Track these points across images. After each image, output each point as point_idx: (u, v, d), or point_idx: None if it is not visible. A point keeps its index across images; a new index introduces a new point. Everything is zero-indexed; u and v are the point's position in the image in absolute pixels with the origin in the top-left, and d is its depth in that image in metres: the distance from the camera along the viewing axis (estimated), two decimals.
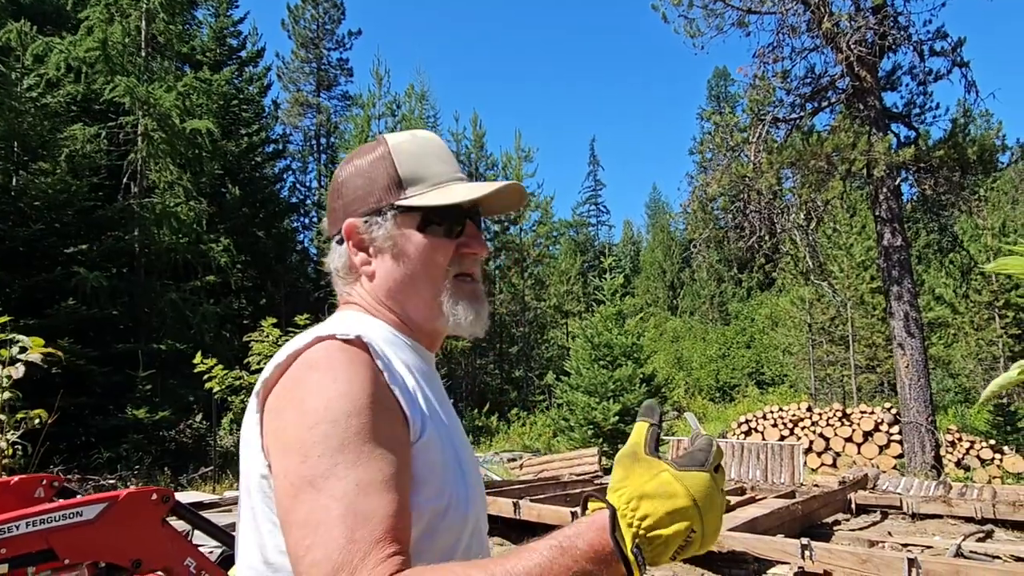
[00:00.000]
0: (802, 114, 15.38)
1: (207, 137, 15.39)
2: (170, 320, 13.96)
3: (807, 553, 5.29)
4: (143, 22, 16.01)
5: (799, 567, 5.65)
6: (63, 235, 13.15)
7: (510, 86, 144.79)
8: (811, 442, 13.52)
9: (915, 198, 15.45)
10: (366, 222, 0.98)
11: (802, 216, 14.62)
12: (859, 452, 13.21)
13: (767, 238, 15.87)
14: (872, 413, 13.43)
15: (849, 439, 13.40)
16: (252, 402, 0.86)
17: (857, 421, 13.43)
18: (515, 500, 7.00)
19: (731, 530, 5.89)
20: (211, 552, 2.93)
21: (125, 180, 15.16)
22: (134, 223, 14.38)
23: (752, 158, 14.77)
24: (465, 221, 1.00)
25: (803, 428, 13.91)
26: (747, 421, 14.54)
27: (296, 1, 38.08)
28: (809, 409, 14.14)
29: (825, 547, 5.31)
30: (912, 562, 4.86)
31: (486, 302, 1.03)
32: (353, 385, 0.80)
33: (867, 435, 13.33)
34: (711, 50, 31.83)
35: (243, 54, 27.87)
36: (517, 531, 7.32)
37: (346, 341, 0.85)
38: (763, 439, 13.83)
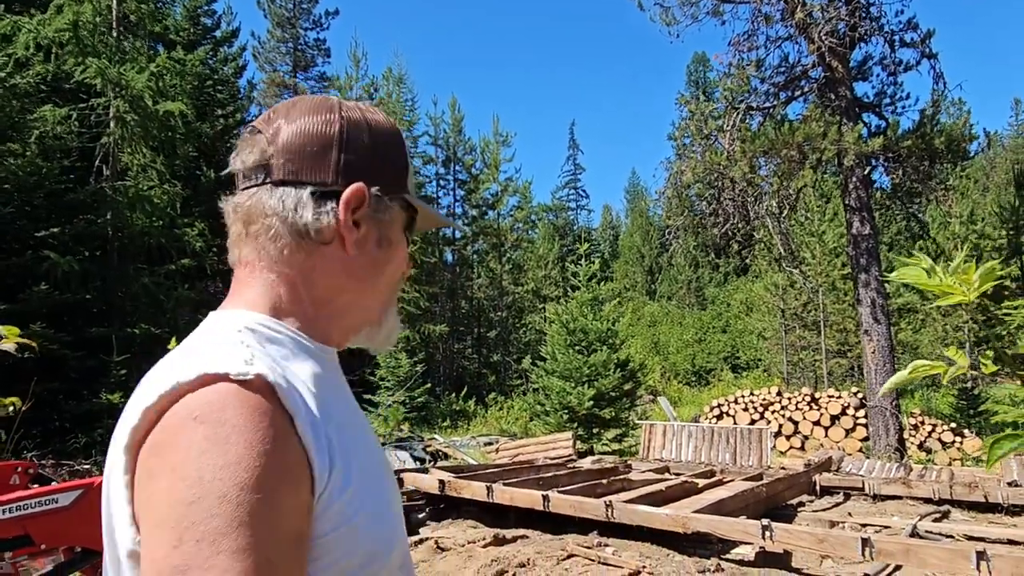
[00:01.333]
0: (775, 103, 15.58)
1: (180, 119, 15.20)
2: (144, 304, 13.87)
3: (767, 534, 5.49)
4: (114, 1, 15.72)
5: (760, 547, 5.87)
6: (33, 218, 12.98)
7: (490, 71, 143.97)
8: (780, 426, 13.84)
9: (885, 187, 15.75)
10: (378, 198, 0.82)
11: (775, 204, 14.85)
12: (827, 435, 13.55)
13: (741, 225, 16.10)
14: (839, 397, 13.76)
15: (817, 423, 13.73)
16: (119, 457, 0.66)
17: (825, 405, 13.76)
18: (488, 484, 7.13)
19: (696, 512, 6.08)
20: None
21: (97, 163, 14.95)
22: (107, 206, 14.21)
23: (726, 146, 14.95)
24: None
25: (773, 412, 14.22)
26: (719, 405, 14.84)
27: None
28: (779, 393, 14.45)
29: (785, 528, 5.50)
30: (866, 541, 5.08)
31: None
32: (251, 449, 0.62)
33: (834, 419, 13.66)
34: (688, 37, 31.91)
35: (217, 34, 27.43)
36: (491, 514, 7.47)
37: (243, 383, 0.65)
38: (735, 423, 14.12)
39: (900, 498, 8.89)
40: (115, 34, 15.84)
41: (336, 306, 0.82)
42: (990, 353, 1.23)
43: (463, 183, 30.54)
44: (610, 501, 6.34)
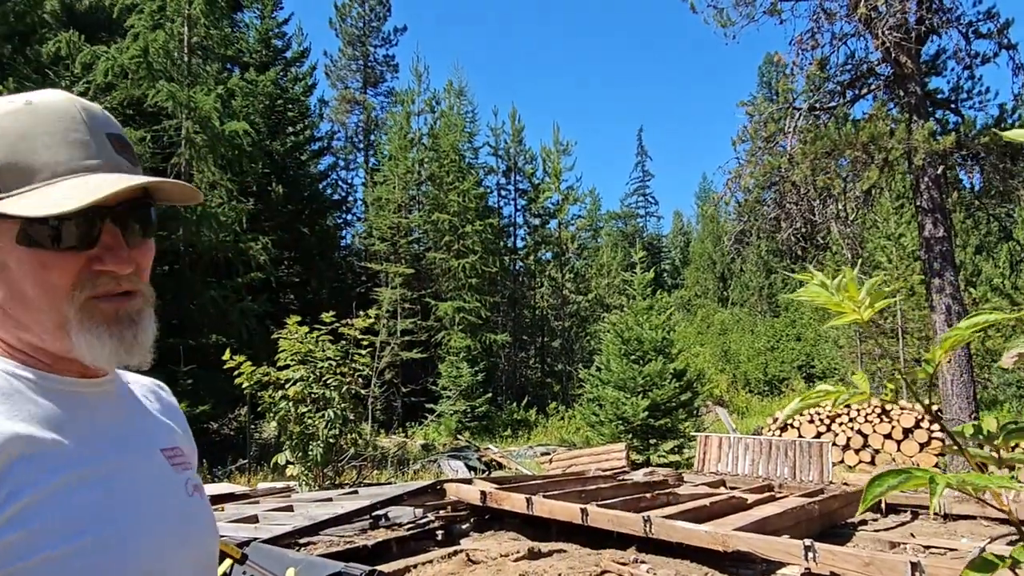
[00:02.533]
0: (840, 102, 14.97)
1: (246, 138, 15.84)
2: (211, 317, 14.48)
3: (810, 554, 5.23)
4: (185, 28, 16.55)
5: (805, 568, 5.59)
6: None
7: (554, 80, 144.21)
8: (849, 439, 13.21)
9: (963, 187, 14.90)
10: None
11: (841, 207, 14.24)
12: (899, 449, 12.85)
13: (807, 230, 15.52)
14: (913, 409, 13.03)
15: (889, 436, 13.04)
16: None
17: (897, 417, 13.06)
18: (528, 496, 7.07)
19: (736, 529, 5.85)
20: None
21: None
22: (178, 223, 14.93)
23: (788, 148, 14.45)
24: (99, 228, 0.75)
25: (841, 424, 13.59)
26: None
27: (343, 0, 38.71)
28: (847, 405, 13.81)
29: (829, 548, 5.23)
30: (915, 566, 4.77)
31: (143, 323, 0.80)
32: None
33: (907, 432, 12.94)
34: (749, 38, 31.11)
35: (288, 55, 28.52)
36: (533, 527, 7.40)
37: None
38: (799, 435, 13.58)
39: (974, 518, 8.33)
40: (187, 58, 16.63)
41: (28, 341, 0.78)
42: (890, 385, 1.12)
43: (524, 192, 30.62)
44: (649, 516, 6.17)
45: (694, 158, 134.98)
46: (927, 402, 1.16)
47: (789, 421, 14.26)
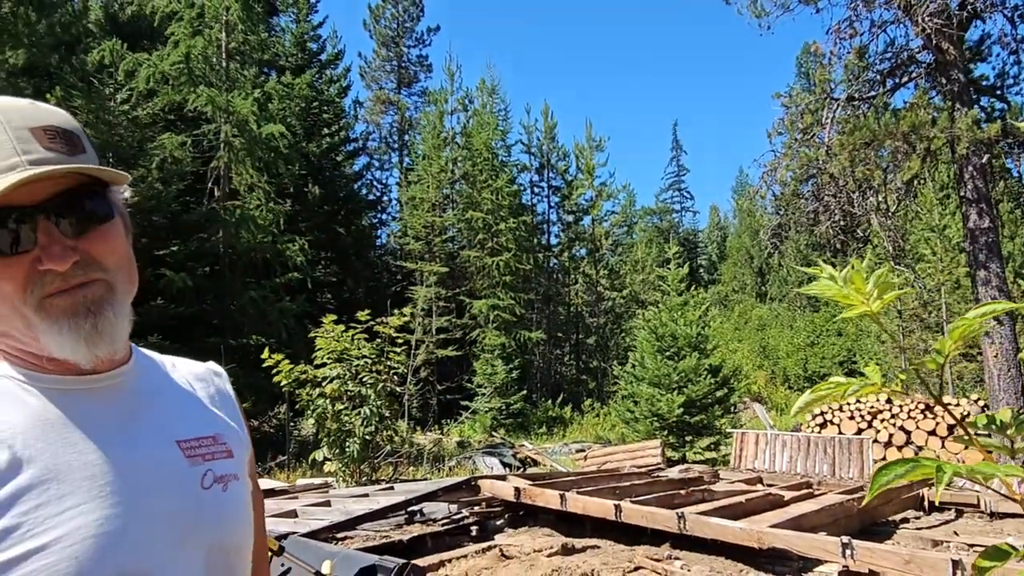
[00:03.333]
0: (880, 91, 14.64)
1: (282, 140, 16.12)
2: (251, 316, 14.79)
3: (847, 552, 5.15)
4: (223, 34, 16.90)
5: (843, 566, 5.51)
6: (154, 238, 14.15)
7: (587, 75, 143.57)
8: (891, 435, 12.92)
9: (1010, 176, 14.46)
10: None
11: (881, 198, 13.94)
12: (943, 446, 12.53)
13: (845, 222, 15.23)
14: (958, 405, 12.70)
15: (933, 432, 12.72)
16: None
17: (941, 414, 12.73)
18: (562, 492, 7.08)
19: (772, 526, 5.78)
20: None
21: (210, 185, 16.11)
22: (218, 225, 15.27)
23: (826, 140, 14.20)
24: (35, 226, 0.75)
25: (883, 421, 13.29)
26: (822, 413, 14.02)
27: (377, 1, 39.04)
28: (888, 401, 13.49)
29: (867, 546, 5.14)
30: (957, 564, 4.67)
31: (104, 311, 0.79)
32: None
33: (952, 428, 12.62)
34: (784, 29, 30.55)
35: (323, 57, 28.90)
36: (567, 523, 7.41)
37: None
38: (840, 432, 13.33)
39: (1021, 516, 8.11)
40: (225, 63, 16.98)
41: (16, 347, 0.80)
42: (901, 376, 1.12)
43: (557, 189, 30.58)
44: (683, 512, 6.13)
45: (730, 152, 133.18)
46: (938, 394, 1.16)
47: (829, 417, 14.01)
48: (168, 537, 0.80)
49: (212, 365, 1.06)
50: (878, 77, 14.61)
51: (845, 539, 5.20)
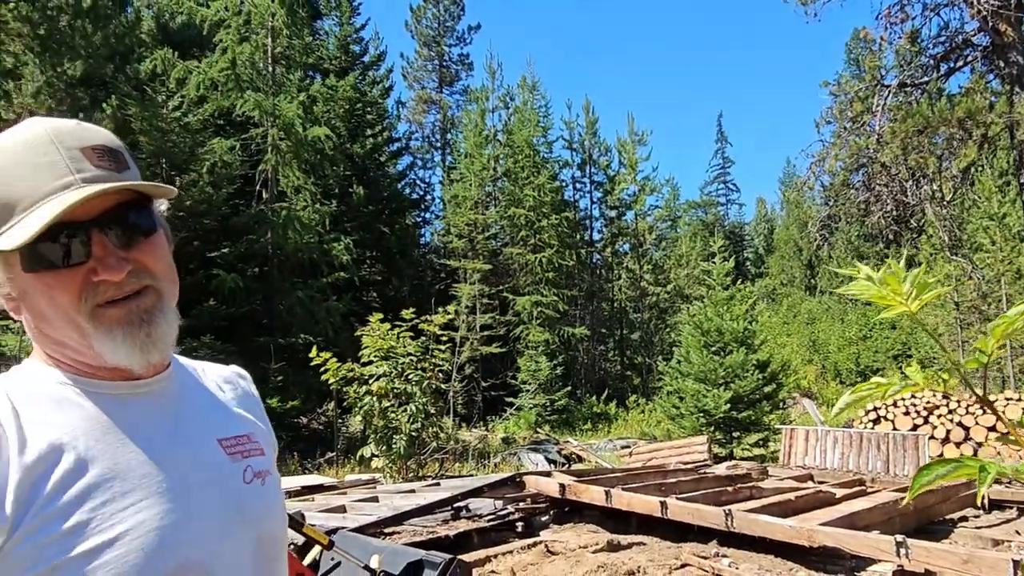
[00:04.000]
0: (934, 76, 14.18)
1: (327, 142, 16.40)
2: (299, 316, 15.11)
3: (902, 551, 5.02)
4: (269, 39, 17.27)
5: (898, 566, 5.37)
6: (205, 240, 14.55)
7: (628, 69, 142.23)
8: (948, 431, 12.52)
9: None
10: None
11: (935, 187, 13.50)
12: (1005, 443, 12.09)
13: (897, 212, 14.81)
14: (1020, 400, 12.23)
15: (992, 428, 12.28)
16: None
17: (1002, 409, 12.28)
18: (607, 489, 7.06)
19: (823, 524, 5.67)
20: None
21: (258, 187, 16.49)
22: (266, 227, 15.62)
23: (877, 128, 13.82)
24: (88, 239, 0.80)
25: (939, 417, 12.88)
26: (875, 409, 13.66)
27: (418, 1, 39.34)
28: (946, 396, 13.07)
29: (923, 545, 5.00)
30: (1018, 563, 4.52)
31: (157, 320, 0.84)
32: None
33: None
34: (831, 15, 29.78)
35: (366, 59, 29.27)
36: (613, 519, 7.39)
37: None
38: (894, 428, 12.97)
39: None
40: (271, 68, 17.35)
41: (68, 356, 0.85)
42: (944, 376, 1.11)
43: (599, 185, 30.41)
44: (730, 510, 6.06)
45: (777, 142, 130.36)
46: (982, 392, 1.14)
47: (882, 413, 13.65)
48: (220, 529, 0.86)
49: (236, 368, 1.11)
50: (931, 62, 14.16)
51: (900, 538, 5.07)
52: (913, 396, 13.41)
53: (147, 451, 0.84)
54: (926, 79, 14.19)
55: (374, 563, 3.42)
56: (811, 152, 14.53)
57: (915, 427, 12.90)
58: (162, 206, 0.92)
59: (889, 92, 13.98)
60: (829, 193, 14.74)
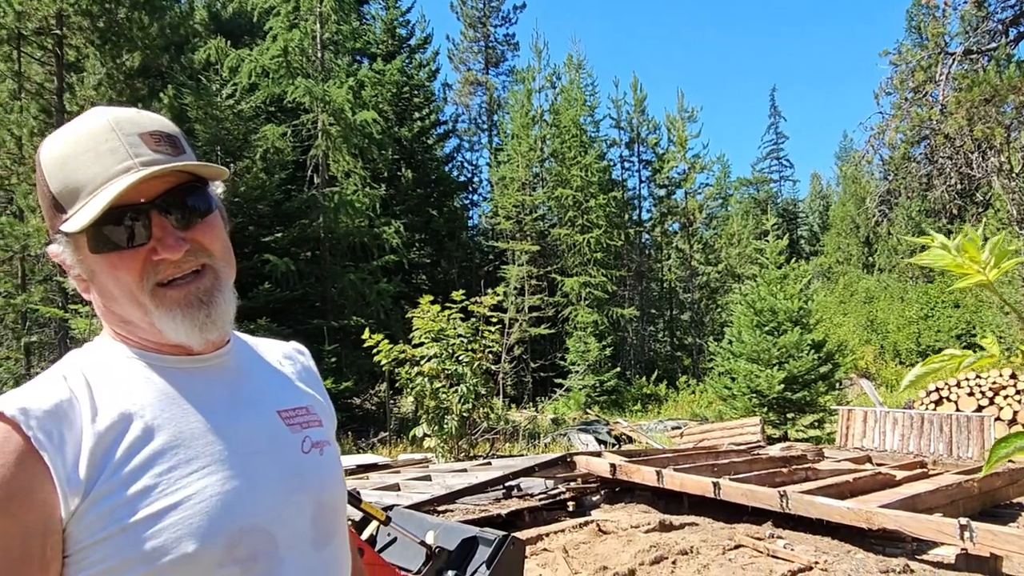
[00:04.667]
0: (1002, 42, 13.53)
1: (375, 126, 16.55)
2: (351, 299, 15.37)
3: (967, 534, 4.88)
4: (318, 25, 17.46)
5: (962, 549, 5.23)
6: (259, 225, 14.90)
7: (677, 44, 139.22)
8: (1015, 413, 12.06)
9: None
10: (60, 247, 0.88)
11: (1002, 159, 12.91)
12: None
13: (962, 185, 14.23)
14: None
15: None
16: None
17: None
18: (658, 469, 7.03)
19: (883, 507, 5.55)
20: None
21: (309, 172, 16.78)
22: (318, 211, 15.90)
23: (940, 98, 13.27)
24: (148, 221, 0.85)
25: (1006, 397, 12.41)
26: (937, 390, 13.23)
27: None
28: (1013, 376, 12.57)
29: (989, 529, 4.86)
30: None
31: (215, 301, 0.89)
32: None
33: None
34: None
35: (412, 42, 29.35)
36: (664, 500, 7.37)
37: None
38: (957, 409, 12.56)
39: None
40: (320, 54, 17.55)
41: (134, 332, 0.90)
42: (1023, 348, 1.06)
43: (648, 163, 29.98)
44: (785, 491, 5.97)
45: (833, 116, 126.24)
46: None
47: (945, 394, 13.22)
48: (279, 495, 0.90)
49: (296, 344, 1.15)
50: (999, 27, 13.49)
51: (964, 520, 4.93)
52: (978, 376, 12.94)
53: (209, 421, 0.88)
54: (993, 45, 13.53)
55: (430, 539, 3.48)
56: (870, 125, 14.04)
57: (980, 408, 12.46)
58: (218, 189, 0.96)
59: (953, 60, 13.40)
60: (889, 167, 14.25)
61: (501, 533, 3.60)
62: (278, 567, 0.87)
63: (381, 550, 3.73)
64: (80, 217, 0.83)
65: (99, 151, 0.84)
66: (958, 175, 13.76)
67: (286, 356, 1.09)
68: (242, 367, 0.98)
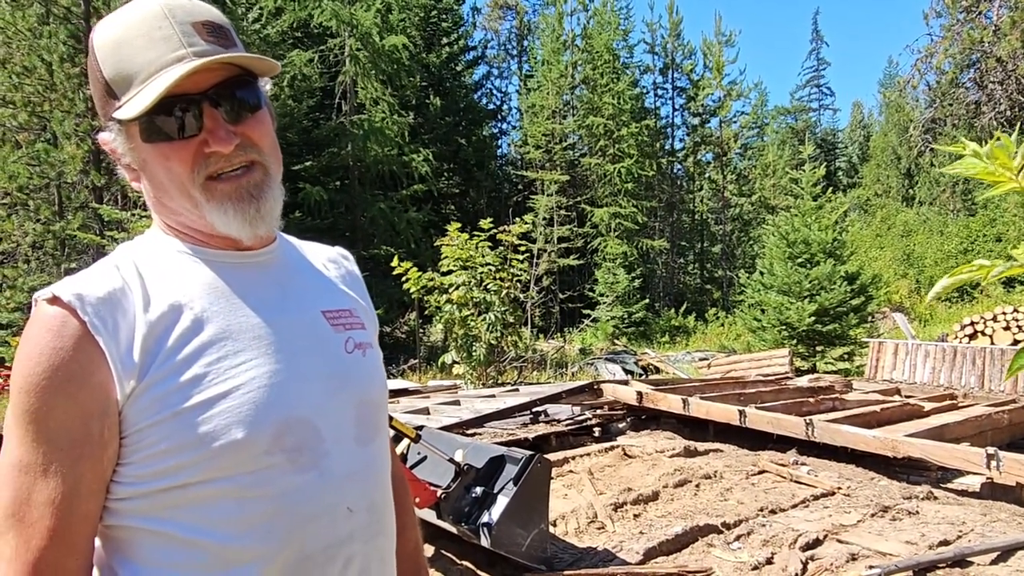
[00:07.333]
0: None
1: (404, 51, 16.24)
2: (380, 227, 15.44)
3: (993, 463, 4.88)
4: None
5: (987, 478, 5.24)
6: (289, 154, 14.89)
7: None
8: None
9: None
10: (111, 134, 0.88)
11: None
12: None
13: (1012, 113, 13.61)
14: None
15: None
16: None
17: None
18: (684, 397, 7.10)
19: (909, 435, 5.55)
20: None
21: (337, 99, 16.61)
22: (347, 139, 15.83)
23: (994, 19, 12.56)
24: (200, 112, 0.84)
25: None
26: (972, 323, 13.03)
27: None
28: None
29: (1016, 458, 4.84)
30: None
31: (264, 195, 0.89)
32: (30, 361, 0.78)
33: None
34: None
35: None
36: (690, 427, 7.46)
37: (49, 302, 0.81)
38: (992, 343, 12.38)
39: None
40: None
41: (183, 224, 0.91)
42: None
43: (682, 91, 29.12)
44: (811, 419, 6.01)
45: (879, 41, 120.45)
46: None
47: (980, 328, 13.02)
48: (324, 390, 0.92)
49: (340, 249, 1.17)
50: None
51: (991, 450, 4.93)
52: (1016, 310, 12.69)
53: (257, 315, 0.90)
54: None
55: (459, 457, 3.59)
56: (917, 48, 13.40)
57: (1016, 342, 12.28)
58: (266, 86, 0.95)
59: None
60: (935, 93, 13.66)
61: (528, 452, 3.69)
62: (323, 459, 0.90)
63: (412, 468, 3.86)
64: (134, 105, 0.82)
65: (152, 37, 0.83)
66: (1009, 102, 13.15)
67: (331, 260, 1.10)
68: (288, 265, 1.00)
